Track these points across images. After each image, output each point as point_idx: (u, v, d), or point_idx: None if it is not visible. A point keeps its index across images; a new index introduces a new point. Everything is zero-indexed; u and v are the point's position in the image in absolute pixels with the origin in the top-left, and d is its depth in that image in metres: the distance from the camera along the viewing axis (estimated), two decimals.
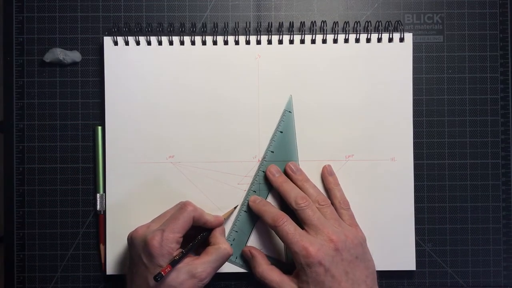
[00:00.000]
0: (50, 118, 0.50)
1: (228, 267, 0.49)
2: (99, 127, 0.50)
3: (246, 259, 0.49)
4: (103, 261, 0.50)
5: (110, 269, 0.49)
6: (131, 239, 0.44)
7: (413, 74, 0.50)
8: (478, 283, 0.51)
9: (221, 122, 0.50)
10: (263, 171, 0.49)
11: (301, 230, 0.44)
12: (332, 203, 0.47)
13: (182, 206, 0.44)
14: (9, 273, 0.50)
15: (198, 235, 0.46)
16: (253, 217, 0.49)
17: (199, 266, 0.43)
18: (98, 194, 0.50)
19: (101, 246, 0.50)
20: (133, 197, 0.49)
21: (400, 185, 0.49)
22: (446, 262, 0.51)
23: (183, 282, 0.42)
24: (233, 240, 0.49)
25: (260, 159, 0.49)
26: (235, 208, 0.49)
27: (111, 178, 0.49)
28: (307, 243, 0.43)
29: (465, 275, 0.51)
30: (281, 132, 0.49)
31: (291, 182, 0.48)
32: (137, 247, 0.43)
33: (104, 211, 0.50)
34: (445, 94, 0.51)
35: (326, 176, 0.49)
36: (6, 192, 0.50)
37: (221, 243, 0.45)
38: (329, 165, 0.49)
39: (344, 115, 0.50)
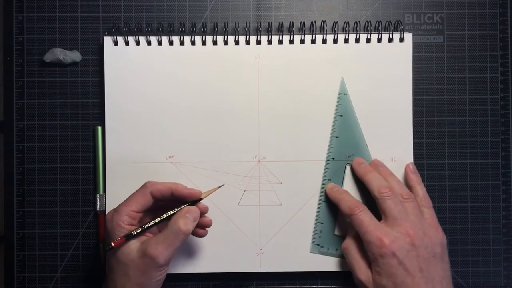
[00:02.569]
0: (50, 118, 0.50)
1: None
2: (99, 127, 0.50)
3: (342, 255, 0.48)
4: (103, 261, 0.49)
5: None
6: None
7: (413, 74, 0.50)
8: (478, 283, 0.51)
9: (221, 122, 0.50)
10: (333, 158, 0.49)
11: (377, 220, 0.44)
12: None
13: (141, 186, 0.44)
14: (9, 273, 0.50)
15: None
16: (334, 206, 0.49)
17: (151, 243, 0.41)
18: (98, 194, 0.50)
19: (101, 246, 0.50)
20: None
21: None
22: None
23: (135, 260, 0.41)
24: (320, 232, 0.49)
25: (327, 148, 0.49)
26: (219, 187, 0.47)
27: (111, 178, 0.49)
28: (381, 233, 0.43)
29: (465, 275, 0.51)
30: (341, 116, 0.49)
31: (376, 173, 0.48)
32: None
33: (104, 211, 0.50)
34: (445, 94, 0.51)
35: (409, 174, 0.48)
36: (6, 192, 0.50)
37: (174, 220, 0.42)
38: (412, 164, 0.49)
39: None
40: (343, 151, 0.50)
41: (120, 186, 0.49)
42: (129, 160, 0.49)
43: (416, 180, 0.48)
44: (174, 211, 0.44)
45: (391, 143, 0.50)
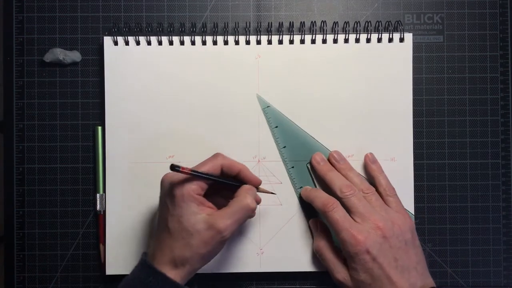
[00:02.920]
0: (50, 118, 0.50)
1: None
2: (99, 127, 0.50)
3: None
4: (103, 261, 0.49)
5: (110, 269, 0.49)
6: (161, 183, 0.44)
7: (413, 74, 0.50)
8: (478, 283, 0.51)
9: (221, 122, 0.50)
10: (292, 167, 0.49)
11: (350, 217, 0.44)
12: (377, 191, 0.47)
13: (212, 156, 0.44)
14: (9, 273, 0.50)
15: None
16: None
17: (219, 217, 0.41)
18: (98, 194, 0.50)
19: (101, 246, 0.50)
20: (133, 197, 0.49)
21: (400, 185, 0.49)
22: (446, 262, 0.51)
23: (200, 231, 0.41)
24: None
25: (282, 159, 0.49)
26: (272, 193, 0.48)
27: (111, 178, 0.49)
28: (355, 231, 0.43)
29: (465, 275, 0.51)
30: (277, 127, 0.49)
31: (336, 171, 0.48)
32: (164, 189, 0.43)
33: (104, 211, 0.49)
34: (445, 94, 0.51)
35: (369, 164, 0.49)
36: (6, 192, 0.50)
37: (243, 196, 0.43)
38: (371, 153, 0.49)
39: (344, 115, 0.50)
40: (297, 157, 0.49)
41: (120, 186, 0.49)
42: (129, 160, 0.49)
43: (377, 169, 0.48)
44: (234, 183, 0.45)
45: (391, 143, 0.50)
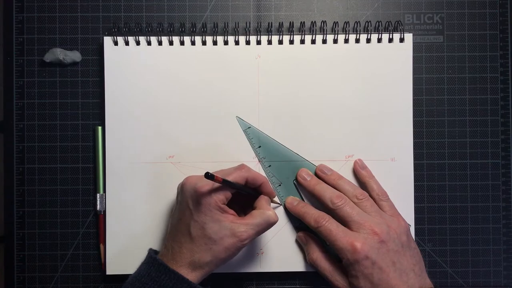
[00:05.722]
0: (50, 118, 0.50)
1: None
2: (99, 127, 0.50)
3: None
4: (103, 261, 0.49)
5: (110, 269, 0.49)
6: (181, 186, 0.44)
7: (413, 74, 0.50)
8: (478, 283, 0.51)
9: (221, 122, 0.50)
10: (279, 185, 0.49)
11: (343, 227, 0.45)
12: (370, 196, 0.47)
13: (237, 166, 0.45)
14: (9, 273, 0.50)
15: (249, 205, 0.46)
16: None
17: (242, 226, 0.42)
18: (98, 194, 0.50)
19: (101, 246, 0.50)
20: (133, 197, 0.49)
21: (400, 185, 0.49)
22: (446, 262, 0.51)
23: (223, 238, 0.42)
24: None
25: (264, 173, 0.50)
26: (280, 204, 0.49)
27: (111, 178, 0.49)
28: (351, 238, 0.43)
29: (465, 275, 0.51)
30: (260, 146, 0.49)
31: (324, 183, 0.48)
32: (186, 193, 0.43)
33: (104, 211, 0.50)
34: (445, 94, 0.51)
35: (359, 170, 0.49)
36: (6, 192, 0.50)
37: (267, 209, 0.44)
38: (359, 159, 0.49)
39: (344, 115, 0.50)
40: (284, 173, 0.50)
41: (120, 186, 0.49)
42: (129, 160, 0.49)
43: (367, 175, 0.49)
44: (255, 193, 0.46)
45: (391, 143, 0.50)
